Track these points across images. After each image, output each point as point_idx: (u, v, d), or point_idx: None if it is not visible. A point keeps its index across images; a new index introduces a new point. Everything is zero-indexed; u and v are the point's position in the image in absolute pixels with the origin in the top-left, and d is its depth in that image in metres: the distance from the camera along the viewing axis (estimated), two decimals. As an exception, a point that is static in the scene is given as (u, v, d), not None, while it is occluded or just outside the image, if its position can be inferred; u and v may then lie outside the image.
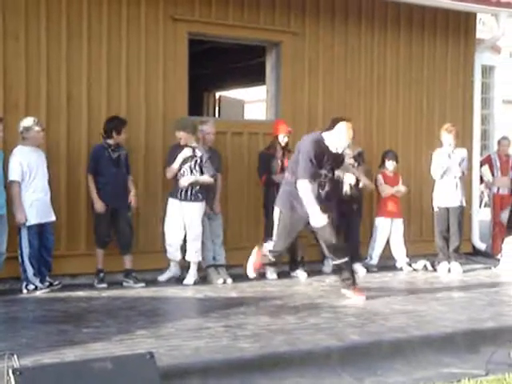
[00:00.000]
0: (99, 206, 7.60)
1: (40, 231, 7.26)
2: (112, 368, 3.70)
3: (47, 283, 7.29)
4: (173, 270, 8.06)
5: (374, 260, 9.22)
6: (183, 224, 7.91)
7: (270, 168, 8.43)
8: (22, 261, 7.15)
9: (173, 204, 7.93)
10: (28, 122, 7.21)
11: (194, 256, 7.93)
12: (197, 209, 7.92)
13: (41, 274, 7.27)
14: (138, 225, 8.08)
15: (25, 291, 7.16)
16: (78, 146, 7.86)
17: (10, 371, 3.41)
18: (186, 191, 7.89)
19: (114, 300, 7.01)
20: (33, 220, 7.18)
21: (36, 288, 7.17)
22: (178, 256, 7.99)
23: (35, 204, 7.20)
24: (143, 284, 7.71)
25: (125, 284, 7.72)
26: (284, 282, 8.16)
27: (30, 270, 7.16)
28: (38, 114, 7.49)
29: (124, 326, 5.87)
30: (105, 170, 7.65)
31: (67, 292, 7.27)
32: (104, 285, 7.61)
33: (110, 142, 7.67)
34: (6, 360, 3.54)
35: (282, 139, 8.46)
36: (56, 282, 7.38)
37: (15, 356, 3.62)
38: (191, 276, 7.92)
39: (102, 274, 7.68)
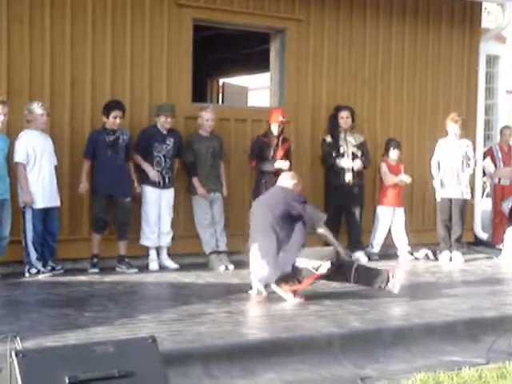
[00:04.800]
0: (82, 186, 7.62)
1: (44, 216, 7.27)
2: (114, 351, 3.70)
3: (49, 267, 7.30)
4: (155, 257, 8.05)
5: (376, 248, 9.22)
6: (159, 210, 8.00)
7: (262, 155, 8.43)
8: (26, 245, 7.17)
9: (152, 191, 7.95)
10: (32, 104, 7.24)
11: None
12: (173, 194, 8.10)
13: (44, 258, 7.29)
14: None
15: (27, 275, 7.19)
16: (81, 131, 7.85)
17: (13, 353, 3.42)
18: (163, 178, 7.96)
19: (115, 285, 7.04)
20: (38, 204, 7.19)
21: (38, 272, 7.20)
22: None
23: (40, 188, 7.22)
24: (136, 270, 7.72)
25: (118, 269, 7.73)
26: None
27: (33, 254, 7.18)
28: (41, 98, 7.48)
29: (126, 310, 5.89)
30: (100, 154, 7.65)
31: (69, 276, 7.30)
32: (96, 270, 7.62)
33: (106, 125, 7.67)
34: (8, 342, 3.55)
35: (274, 128, 8.44)
36: (58, 267, 7.39)
37: (18, 338, 3.62)
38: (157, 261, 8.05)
39: (95, 259, 7.68)
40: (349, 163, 8.86)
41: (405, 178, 9.23)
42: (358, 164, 8.91)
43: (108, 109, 7.63)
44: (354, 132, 9.09)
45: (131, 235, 7.90)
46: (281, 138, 8.47)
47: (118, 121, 7.64)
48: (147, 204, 7.93)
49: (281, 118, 8.42)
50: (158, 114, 7.93)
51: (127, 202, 7.78)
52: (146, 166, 7.90)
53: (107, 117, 7.63)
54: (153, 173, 7.87)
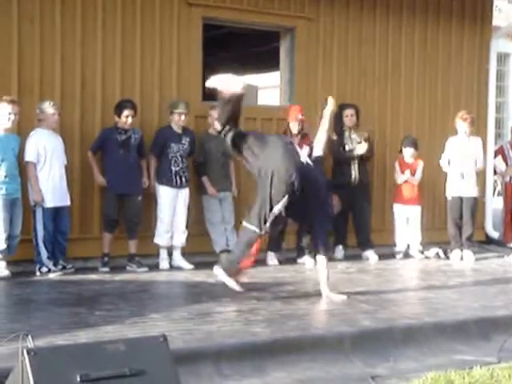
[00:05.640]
0: (100, 180, 7.66)
1: (55, 215, 7.30)
2: (125, 350, 3.70)
3: (60, 266, 7.32)
4: (166, 256, 8.03)
5: (398, 247, 9.20)
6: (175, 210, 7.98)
7: None
8: (36, 243, 7.20)
9: (169, 192, 7.94)
10: (43, 104, 7.27)
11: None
12: (188, 193, 8.08)
13: (54, 257, 7.31)
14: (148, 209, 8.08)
15: (38, 273, 7.21)
16: (91, 130, 7.87)
17: (25, 351, 3.42)
18: (181, 177, 7.94)
19: (126, 283, 7.04)
20: (48, 203, 7.21)
21: (49, 270, 7.22)
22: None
23: (50, 187, 7.24)
24: (146, 269, 7.73)
25: (128, 268, 7.74)
26: (295, 267, 8.17)
27: (43, 253, 7.20)
28: (52, 98, 7.50)
29: (137, 309, 5.89)
30: (111, 153, 7.68)
31: (80, 275, 7.32)
32: (106, 269, 7.64)
33: (118, 124, 7.69)
34: (20, 340, 3.55)
35: (293, 127, 8.42)
36: (69, 266, 7.41)
37: (29, 336, 3.63)
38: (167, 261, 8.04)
39: (106, 258, 7.70)
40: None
41: (411, 177, 9.16)
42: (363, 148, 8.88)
43: (120, 108, 7.65)
44: (358, 130, 9.06)
45: (142, 234, 7.92)
46: (300, 136, 8.44)
47: (129, 120, 7.65)
48: (163, 204, 7.92)
49: (300, 117, 8.39)
50: (172, 111, 7.93)
51: (138, 201, 7.79)
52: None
53: (119, 116, 7.65)
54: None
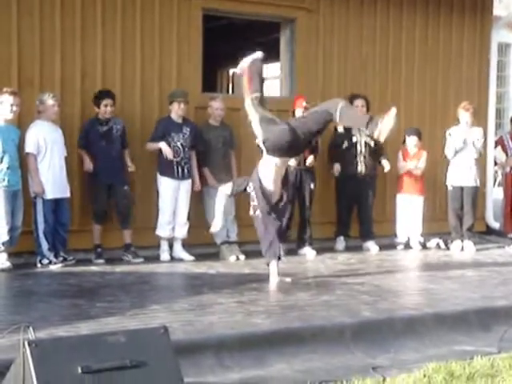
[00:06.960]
0: (87, 167, 7.62)
1: (55, 207, 7.30)
2: (126, 341, 3.72)
3: (61, 258, 7.33)
4: (167, 248, 8.05)
5: (400, 238, 9.20)
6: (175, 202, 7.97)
7: None
8: (37, 235, 7.21)
9: (170, 183, 7.93)
10: (43, 95, 7.27)
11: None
12: (190, 185, 8.06)
13: (55, 249, 7.32)
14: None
15: (39, 265, 7.22)
16: (91, 122, 7.87)
17: (26, 343, 3.43)
18: (182, 168, 7.91)
19: (127, 275, 7.05)
20: (48, 195, 7.22)
21: (50, 262, 7.23)
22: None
23: (50, 179, 7.25)
24: (142, 259, 7.74)
25: (124, 258, 7.75)
26: (296, 259, 8.17)
27: (44, 245, 7.21)
28: (52, 90, 7.49)
29: (137, 300, 5.90)
30: (94, 144, 7.67)
31: (81, 267, 7.32)
32: (101, 260, 7.64)
33: (99, 115, 7.67)
34: (21, 332, 3.56)
35: (297, 113, 8.42)
36: (70, 258, 7.42)
37: (31, 328, 3.64)
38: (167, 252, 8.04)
39: (99, 250, 7.70)
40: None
41: (412, 165, 9.15)
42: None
43: (98, 98, 7.63)
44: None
45: (142, 225, 7.92)
46: None
47: (109, 109, 7.62)
48: (165, 195, 7.92)
49: (304, 104, 8.38)
50: (171, 100, 7.91)
51: (125, 190, 7.76)
52: (161, 144, 7.81)
53: (98, 106, 7.62)
54: (168, 150, 7.78)
